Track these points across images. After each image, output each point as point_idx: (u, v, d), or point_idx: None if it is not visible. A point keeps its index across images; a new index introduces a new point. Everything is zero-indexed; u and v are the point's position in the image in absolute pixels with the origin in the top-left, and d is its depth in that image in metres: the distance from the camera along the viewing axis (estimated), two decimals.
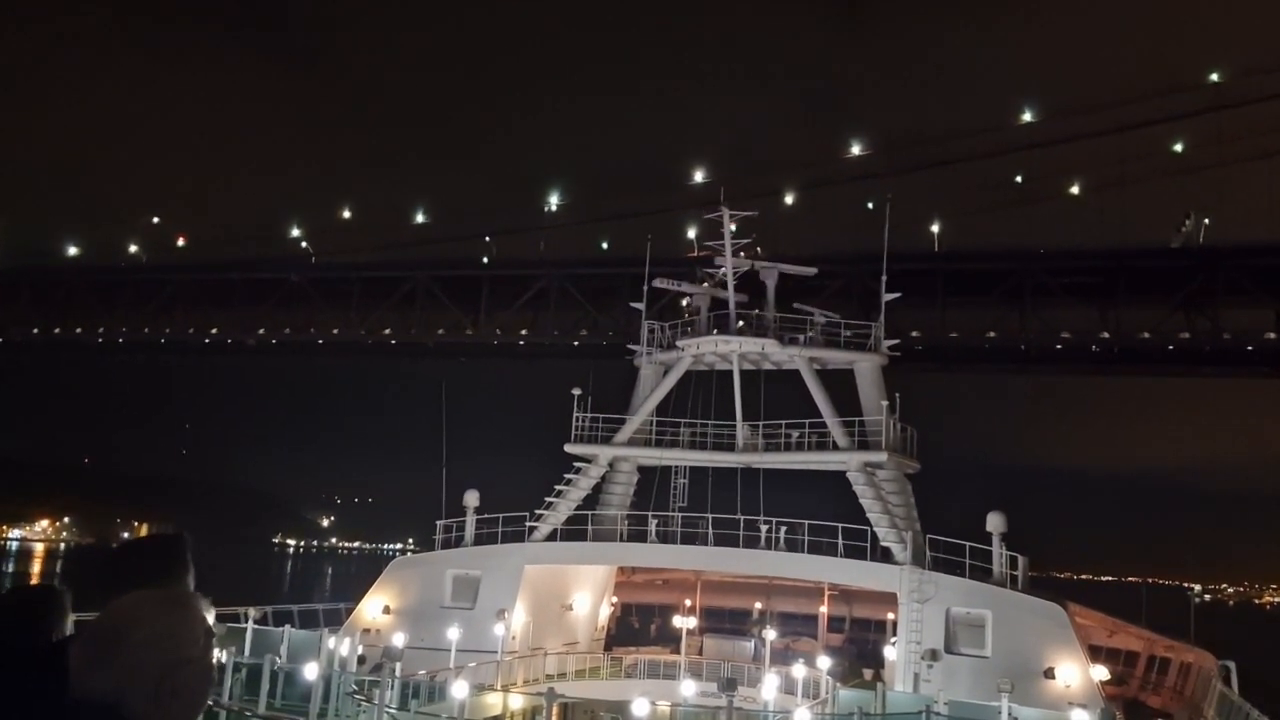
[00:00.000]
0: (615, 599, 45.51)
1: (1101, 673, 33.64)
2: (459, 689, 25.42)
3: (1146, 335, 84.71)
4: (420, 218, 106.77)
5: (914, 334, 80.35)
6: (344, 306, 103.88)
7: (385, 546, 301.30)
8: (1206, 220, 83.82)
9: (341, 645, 29.95)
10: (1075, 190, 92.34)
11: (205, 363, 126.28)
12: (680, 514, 37.71)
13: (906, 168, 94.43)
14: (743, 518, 36.46)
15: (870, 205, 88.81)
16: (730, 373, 38.75)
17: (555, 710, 25.05)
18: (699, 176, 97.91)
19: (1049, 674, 30.54)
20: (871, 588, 37.18)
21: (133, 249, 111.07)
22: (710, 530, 36.86)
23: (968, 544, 33.23)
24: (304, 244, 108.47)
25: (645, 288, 43.43)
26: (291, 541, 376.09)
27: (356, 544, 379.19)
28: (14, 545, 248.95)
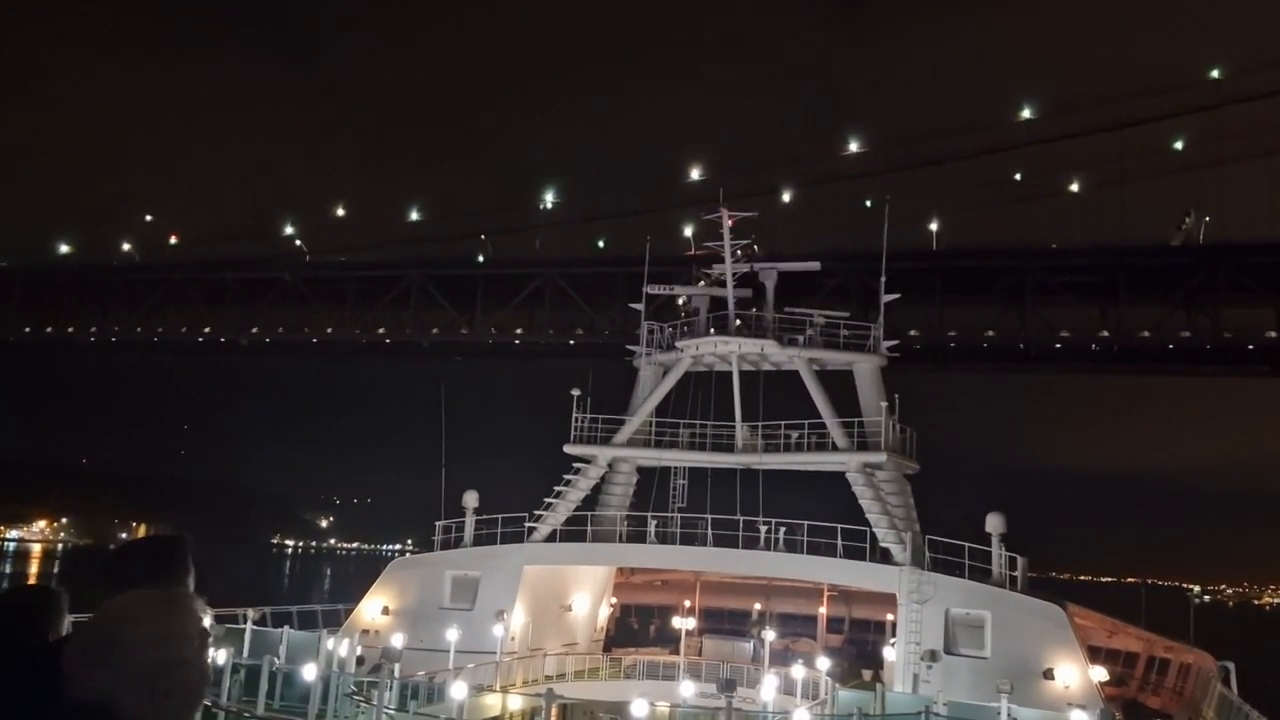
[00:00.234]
0: (614, 600, 45.50)
1: (1101, 673, 33.62)
2: (458, 690, 25.41)
3: (1147, 334, 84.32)
4: (415, 216, 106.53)
5: (912, 333, 80.00)
6: (338, 306, 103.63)
7: (384, 547, 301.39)
8: (1207, 218, 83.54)
9: (340, 646, 29.93)
10: (1075, 188, 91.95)
11: (202, 363, 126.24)
12: (679, 515, 37.72)
13: (904, 165, 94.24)
14: (742, 518, 36.46)
15: (868, 204, 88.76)
16: (729, 373, 38.76)
17: (554, 711, 25.03)
18: (696, 174, 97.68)
19: (1048, 675, 30.53)
20: (871, 588, 37.17)
21: (126, 248, 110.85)
22: (709, 531, 36.85)
23: (967, 545, 33.23)
24: (298, 242, 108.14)
25: (644, 288, 43.44)
26: (290, 542, 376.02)
27: (355, 545, 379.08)
28: (11, 546, 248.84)
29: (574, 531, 38.91)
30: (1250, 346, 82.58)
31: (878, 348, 38.58)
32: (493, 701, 29.74)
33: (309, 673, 25.28)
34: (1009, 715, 23.95)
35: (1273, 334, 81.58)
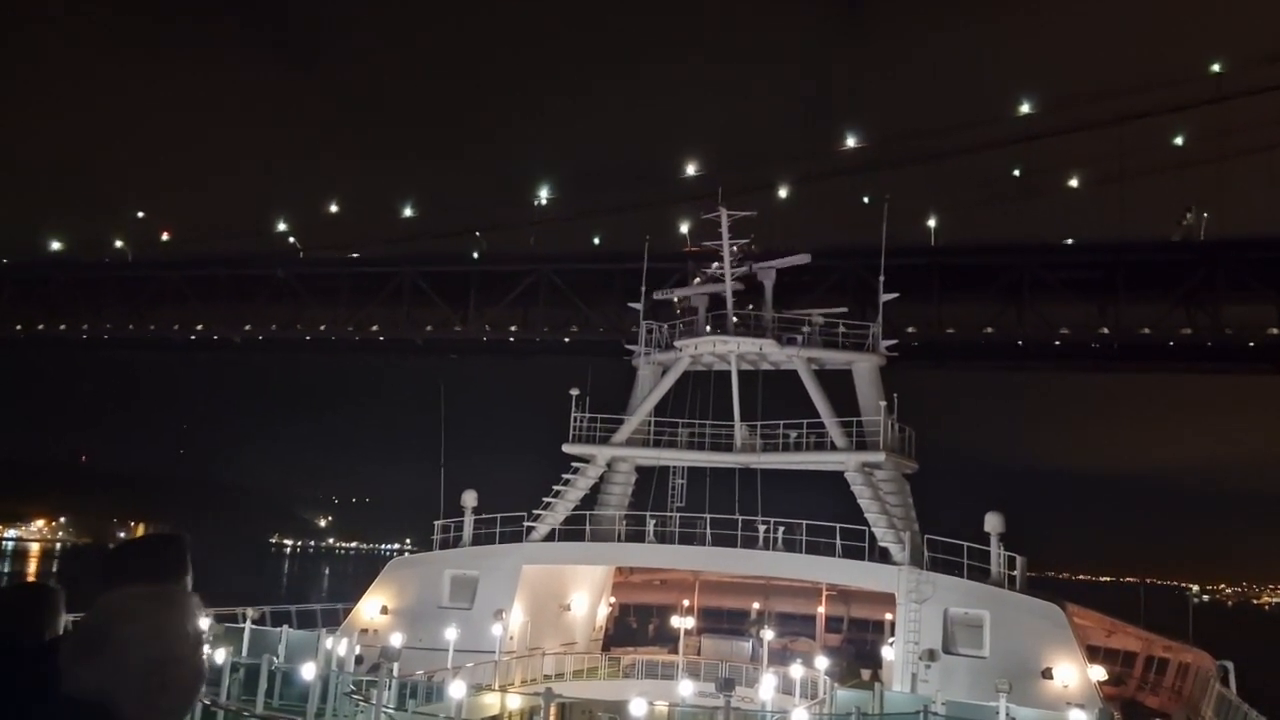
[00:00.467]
0: (613, 599, 45.52)
1: (1099, 673, 33.65)
2: (457, 689, 25.40)
3: (1147, 331, 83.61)
4: (409, 212, 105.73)
5: (909, 330, 79.41)
6: (331, 302, 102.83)
7: (383, 546, 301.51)
8: (1205, 214, 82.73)
9: (339, 645, 29.94)
10: (1074, 184, 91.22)
11: (201, 361, 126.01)
12: (678, 514, 37.73)
13: (902, 160, 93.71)
14: (741, 518, 36.49)
15: (866, 200, 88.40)
16: (728, 373, 38.77)
17: (553, 710, 25.07)
18: (692, 170, 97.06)
19: (1047, 674, 30.55)
20: (869, 588, 37.18)
21: (118, 244, 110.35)
22: (708, 530, 36.87)
23: (966, 544, 33.24)
24: (291, 239, 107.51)
25: (642, 288, 43.43)
26: (289, 541, 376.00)
27: (354, 544, 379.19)
28: (9, 545, 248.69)
29: (573, 531, 38.92)
30: (1251, 344, 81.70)
31: (876, 347, 38.59)
32: (491, 701, 29.73)
33: (308, 672, 25.27)
34: (1007, 715, 23.96)
35: (1274, 331, 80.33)
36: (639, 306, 43.34)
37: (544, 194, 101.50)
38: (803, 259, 42.74)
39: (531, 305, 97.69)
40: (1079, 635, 32.53)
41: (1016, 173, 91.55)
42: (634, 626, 46.79)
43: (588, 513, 39.19)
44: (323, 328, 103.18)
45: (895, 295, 42.41)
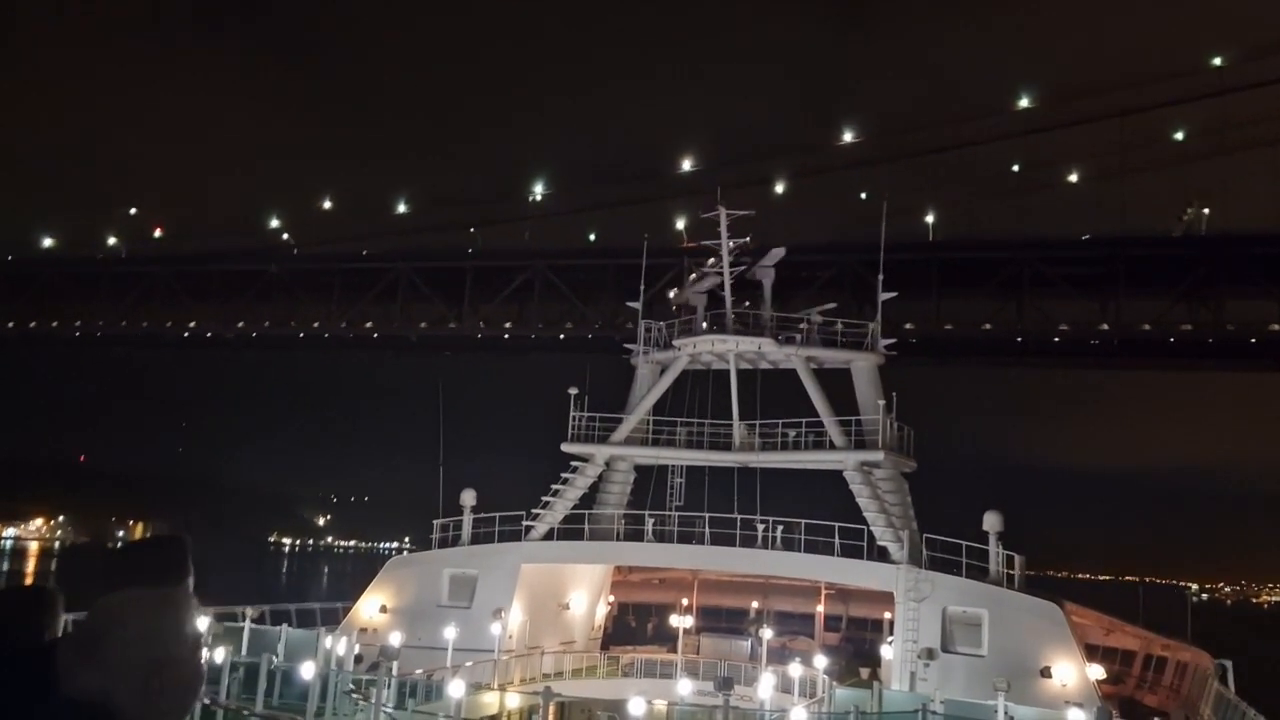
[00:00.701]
0: (612, 598, 45.52)
1: (1098, 671, 33.67)
2: (456, 688, 25.41)
3: (1147, 327, 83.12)
4: (402, 208, 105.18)
5: (908, 326, 78.91)
6: (324, 299, 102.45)
7: (381, 545, 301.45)
8: (1206, 210, 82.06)
9: (339, 644, 29.94)
10: (1074, 178, 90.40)
11: (198, 359, 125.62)
12: (677, 513, 37.72)
13: (900, 155, 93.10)
14: (739, 517, 36.51)
15: (864, 195, 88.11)
16: (727, 372, 38.77)
17: (552, 709, 25.07)
18: (688, 165, 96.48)
19: (1045, 673, 30.57)
20: (868, 587, 37.21)
21: (111, 241, 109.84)
22: (707, 529, 36.88)
23: (964, 543, 33.26)
24: (285, 235, 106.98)
25: (641, 286, 43.42)
26: (287, 540, 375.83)
27: (352, 543, 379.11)
28: (8, 544, 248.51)
29: (571, 530, 38.91)
30: (1253, 340, 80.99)
31: (875, 346, 38.60)
32: (490, 700, 29.74)
33: (307, 671, 25.27)
34: (1006, 713, 23.98)
35: (1276, 327, 79.71)
36: (638, 306, 43.34)
37: (539, 189, 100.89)
38: (778, 254, 42.60)
39: (526, 301, 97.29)
40: (1077, 634, 32.55)
41: (1016, 167, 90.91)
42: (633, 625, 46.79)
43: (586, 512, 39.18)
44: (316, 324, 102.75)
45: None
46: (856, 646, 42.95)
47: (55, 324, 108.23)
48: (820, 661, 33.90)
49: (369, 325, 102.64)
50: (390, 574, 39.28)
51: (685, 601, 44.06)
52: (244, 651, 27.71)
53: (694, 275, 41.30)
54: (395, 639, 31.17)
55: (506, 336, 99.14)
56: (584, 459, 39.61)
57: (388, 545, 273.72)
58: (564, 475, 39.28)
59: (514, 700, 30.58)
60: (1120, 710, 31.04)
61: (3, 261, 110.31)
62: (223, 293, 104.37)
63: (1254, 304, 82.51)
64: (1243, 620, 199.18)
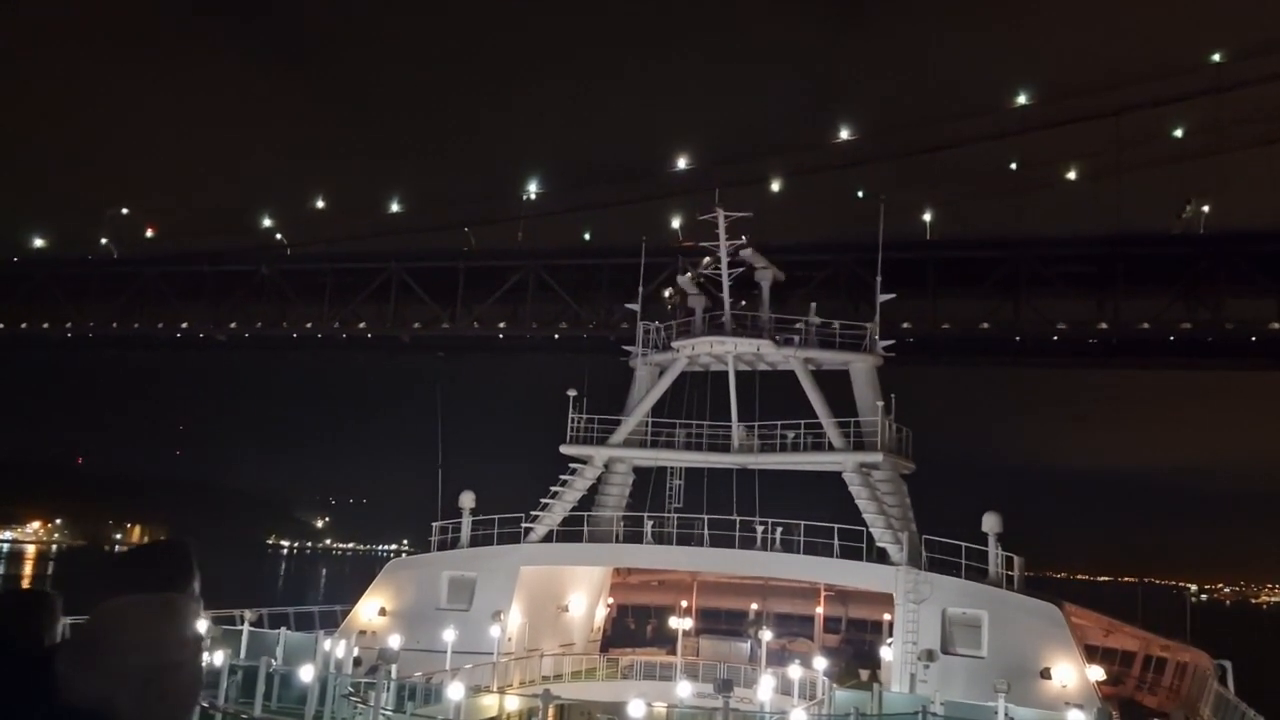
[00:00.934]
0: (611, 600, 45.50)
1: (1098, 673, 33.66)
2: (455, 691, 25.37)
3: (1146, 326, 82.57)
4: (395, 207, 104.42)
5: (904, 325, 78.25)
6: (316, 300, 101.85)
7: (380, 548, 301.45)
8: (1205, 207, 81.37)
9: (337, 647, 29.90)
10: (1072, 176, 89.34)
11: (194, 362, 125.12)
12: (676, 515, 37.73)
13: (896, 153, 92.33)
14: (738, 518, 36.49)
15: (860, 194, 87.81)
16: (726, 373, 38.76)
17: (551, 712, 25.06)
18: (683, 163, 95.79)
19: (1045, 674, 30.56)
20: (867, 588, 37.20)
21: (103, 241, 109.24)
22: (706, 531, 36.86)
23: (964, 544, 33.26)
24: (278, 235, 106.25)
25: (640, 288, 43.41)
26: (285, 542, 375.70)
27: (351, 545, 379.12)
28: (5, 547, 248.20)
29: (570, 532, 38.88)
30: (1253, 338, 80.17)
31: (874, 347, 38.61)
32: (490, 702, 29.72)
33: (306, 674, 25.25)
34: (1006, 715, 23.97)
35: (1276, 325, 78.86)
36: (636, 308, 43.32)
37: (533, 188, 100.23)
38: (778, 276, 42.67)
39: (520, 301, 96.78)
40: (1077, 635, 32.55)
41: (1013, 166, 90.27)
42: (632, 627, 46.77)
43: (585, 514, 39.16)
44: (309, 325, 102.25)
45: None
46: (856, 648, 42.94)
47: (46, 325, 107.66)
48: (820, 663, 33.87)
49: (362, 325, 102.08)
50: (389, 576, 39.23)
51: (684, 603, 44.06)
52: (242, 655, 27.70)
53: (688, 274, 41.27)
54: (394, 642, 31.16)
55: (501, 336, 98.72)
56: (583, 461, 39.59)
57: (386, 547, 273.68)
58: (563, 477, 39.25)
59: (513, 703, 30.57)
60: (1120, 711, 31.05)
61: None
62: (214, 293, 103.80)
63: (1254, 302, 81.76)
64: (1242, 620, 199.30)
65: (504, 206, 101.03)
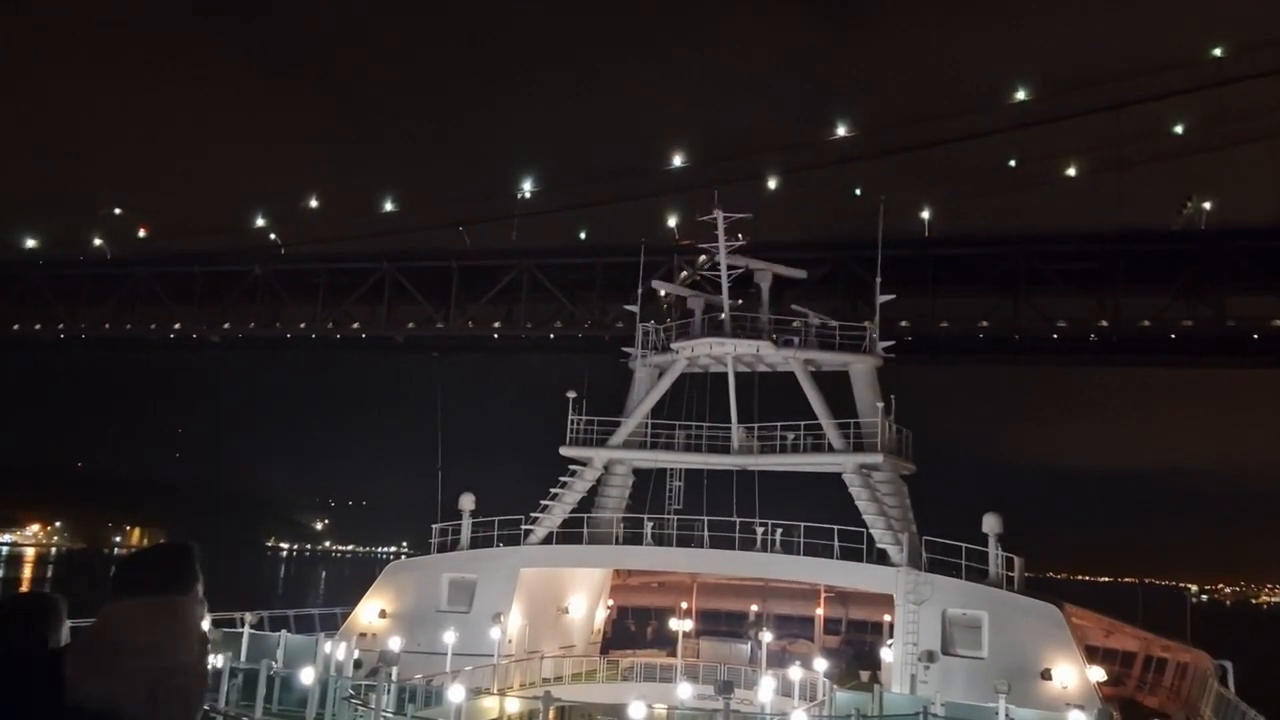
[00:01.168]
0: (611, 602, 45.49)
1: (1098, 673, 33.65)
2: (455, 693, 25.35)
3: (1146, 323, 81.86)
4: (389, 207, 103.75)
5: (903, 324, 77.74)
6: (310, 300, 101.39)
7: (379, 550, 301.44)
8: (1206, 204, 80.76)
9: (338, 650, 29.89)
10: (1071, 172, 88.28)
11: (193, 365, 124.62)
12: (676, 516, 37.74)
13: (894, 150, 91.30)
14: (738, 520, 36.49)
15: (858, 191, 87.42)
16: (725, 375, 38.76)
17: (552, 713, 25.03)
18: (678, 161, 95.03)
19: (1045, 675, 30.56)
20: (868, 589, 37.20)
21: (97, 242, 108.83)
22: (706, 533, 36.86)
23: (964, 545, 33.25)
24: (272, 236, 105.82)
25: (639, 289, 43.40)
26: (285, 545, 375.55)
27: (350, 547, 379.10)
28: (4, 550, 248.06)
29: (570, 534, 38.88)
30: (1255, 336, 79.51)
31: (873, 348, 38.61)
32: (490, 704, 29.70)
33: (306, 677, 25.25)
34: (1006, 716, 23.96)
35: (1278, 323, 78.42)
36: (635, 309, 43.31)
37: (527, 187, 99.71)
38: (798, 273, 42.68)
39: (514, 301, 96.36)
40: (1077, 635, 32.54)
41: (1012, 162, 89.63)
42: (632, 629, 46.77)
43: (585, 515, 39.16)
44: (303, 325, 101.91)
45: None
46: (856, 649, 42.94)
47: (38, 326, 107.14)
48: (820, 665, 33.89)
49: (355, 326, 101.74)
50: (389, 579, 39.22)
51: (685, 605, 44.05)
52: (243, 658, 27.67)
53: (684, 272, 41.29)
54: (394, 644, 31.15)
55: (495, 336, 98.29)
56: (582, 462, 39.60)
57: (386, 550, 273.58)
58: (562, 479, 39.25)
59: (514, 705, 30.56)
60: (1121, 712, 31.05)
61: None
62: (208, 294, 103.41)
63: (1255, 299, 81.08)
64: (1243, 621, 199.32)
65: (498, 205, 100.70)
